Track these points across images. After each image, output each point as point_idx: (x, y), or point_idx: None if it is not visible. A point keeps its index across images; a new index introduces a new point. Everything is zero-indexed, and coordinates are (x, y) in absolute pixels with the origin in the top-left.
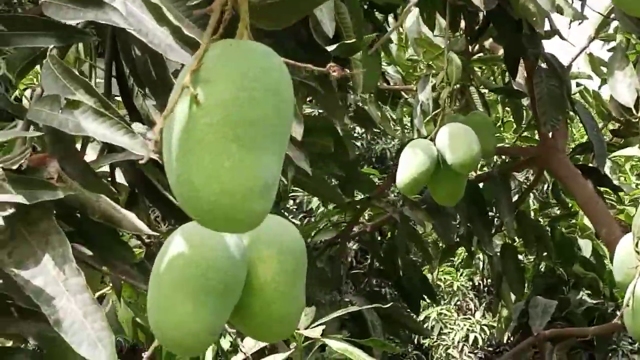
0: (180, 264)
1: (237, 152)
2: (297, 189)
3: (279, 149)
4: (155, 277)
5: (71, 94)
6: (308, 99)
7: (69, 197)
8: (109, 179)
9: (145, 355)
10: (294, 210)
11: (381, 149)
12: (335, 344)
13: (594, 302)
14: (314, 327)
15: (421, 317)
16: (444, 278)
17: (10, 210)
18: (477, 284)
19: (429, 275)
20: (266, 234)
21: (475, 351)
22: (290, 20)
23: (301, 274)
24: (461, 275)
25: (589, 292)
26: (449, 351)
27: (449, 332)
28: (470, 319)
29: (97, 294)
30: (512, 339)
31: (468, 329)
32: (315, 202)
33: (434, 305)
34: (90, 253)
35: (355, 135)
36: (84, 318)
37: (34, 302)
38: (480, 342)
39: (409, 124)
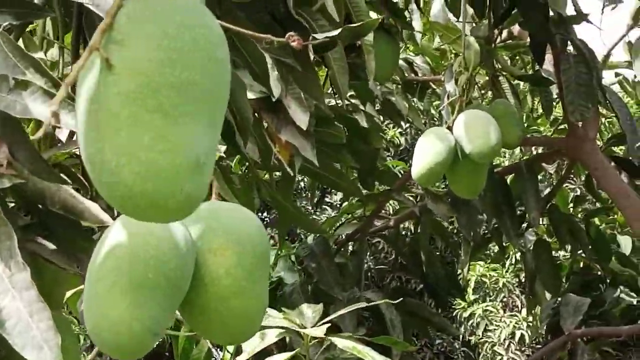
0: (116, 256)
1: (159, 124)
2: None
3: (213, 118)
4: (91, 272)
5: (22, 73)
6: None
7: (27, 185)
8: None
9: (88, 358)
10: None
11: None
12: (341, 342)
13: (633, 300)
14: (322, 324)
15: (467, 314)
16: (489, 274)
17: None
18: (523, 280)
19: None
20: (220, 222)
21: (522, 349)
22: None
23: (263, 268)
24: (507, 271)
25: (627, 290)
26: (495, 348)
27: (495, 330)
28: (516, 316)
29: (72, 291)
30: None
31: (514, 326)
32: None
33: (480, 302)
34: (53, 247)
35: (400, 130)
36: (30, 317)
37: None
38: (527, 340)
39: (437, 116)
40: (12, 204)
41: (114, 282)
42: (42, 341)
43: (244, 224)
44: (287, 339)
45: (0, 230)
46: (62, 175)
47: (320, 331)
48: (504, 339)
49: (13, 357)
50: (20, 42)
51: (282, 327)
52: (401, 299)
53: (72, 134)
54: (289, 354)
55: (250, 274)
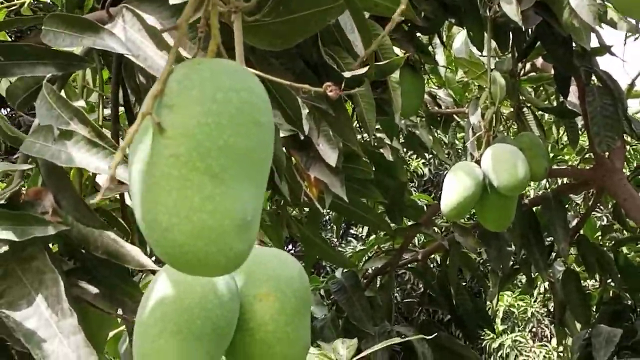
0: (164, 304)
1: (208, 185)
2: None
3: (258, 179)
4: (139, 319)
5: (65, 123)
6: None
7: (71, 232)
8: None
9: None
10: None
11: None
12: None
13: None
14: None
15: (496, 344)
16: (517, 304)
17: (5, 248)
18: (551, 309)
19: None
20: (263, 269)
21: None
22: (294, 40)
23: (304, 312)
24: (535, 301)
25: None
26: None
27: None
28: (546, 345)
29: (113, 332)
30: None
31: (544, 356)
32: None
33: (509, 332)
34: (96, 291)
35: (424, 161)
36: None
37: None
38: None
39: (461, 148)
40: (56, 250)
41: (162, 330)
42: None
43: (285, 269)
44: None
45: (47, 276)
46: (103, 219)
47: None
48: None
49: None
50: (63, 92)
51: None
52: (435, 334)
53: (112, 179)
54: None
55: (293, 320)
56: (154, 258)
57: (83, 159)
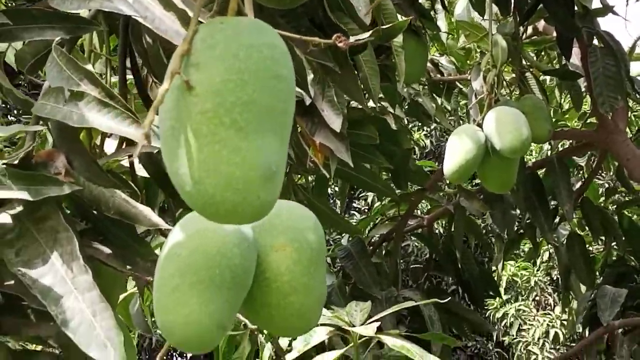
0: (182, 256)
1: (235, 139)
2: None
3: (281, 131)
4: (159, 272)
5: (76, 85)
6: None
7: (83, 192)
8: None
9: (159, 354)
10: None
11: None
12: (391, 341)
13: None
14: (369, 323)
15: (499, 314)
16: (521, 273)
17: (19, 208)
18: (555, 278)
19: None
20: (279, 220)
21: (557, 347)
22: (300, 0)
23: (320, 263)
24: (538, 270)
25: None
26: (530, 348)
27: (529, 329)
28: (550, 314)
29: (125, 294)
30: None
31: (548, 325)
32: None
33: (512, 302)
34: (108, 251)
35: (425, 132)
36: (93, 317)
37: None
38: (562, 338)
39: (465, 115)
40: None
41: (182, 280)
42: (105, 339)
43: (302, 221)
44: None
45: (62, 235)
46: (115, 180)
47: (370, 330)
48: (538, 338)
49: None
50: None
51: (331, 325)
52: (445, 298)
53: (121, 143)
54: (338, 352)
55: (309, 270)
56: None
57: (95, 119)
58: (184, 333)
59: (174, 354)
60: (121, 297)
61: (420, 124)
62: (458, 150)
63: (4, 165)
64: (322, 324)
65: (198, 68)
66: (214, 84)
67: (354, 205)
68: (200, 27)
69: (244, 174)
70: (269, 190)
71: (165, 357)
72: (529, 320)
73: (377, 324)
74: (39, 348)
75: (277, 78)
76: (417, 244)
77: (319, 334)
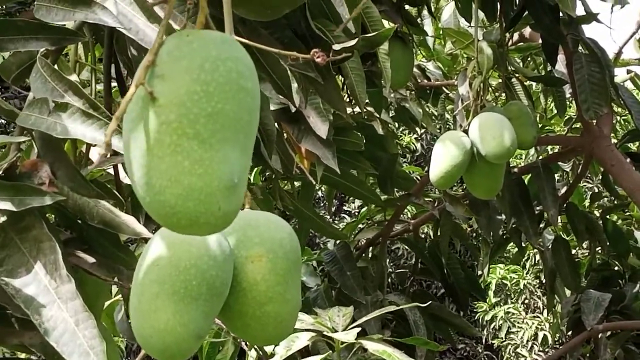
0: (160, 266)
1: (197, 150)
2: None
3: (245, 143)
4: (136, 281)
5: (60, 96)
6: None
7: (67, 202)
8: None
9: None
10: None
11: None
12: (372, 346)
13: None
14: (352, 328)
15: (488, 317)
16: (510, 277)
17: (3, 218)
18: (544, 281)
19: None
20: (254, 231)
21: (546, 349)
22: (283, 11)
23: (295, 273)
24: (527, 272)
25: None
26: (518, 350)
27: (518, 331)
28: (538, 317)
29: (109, 301)
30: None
31: (537, 327)
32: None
33: (501, 304)
34: (93, 260)
35: (416, 136)
36: (76, 326)
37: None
38: (550, 340)
39: (452, 121)
40: (53, 221)
41: (159, 291)
42: (88, 348)
43: (277, 232)
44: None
45: (45, 244)
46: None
47: (351, 335)
48: (527, 341)
49: None
50: (56, 66)
51: (313, 331)
52: (428, 302)
53: (107, 147)
54: (320, 357)
55: (284, 280)
56: (150, 227)
57: (78, 130)
58: (160, 342)
59: None
60: (106, 304)
61: None
62: (444, 156)
63: None
64: (304, 330)
65: (163, 79)
66: (178, 95)
67: (344, 208)
68: (166, 39)
69: (206, 185)
70: (230, 201)
71: None
72: (518, 322)
73: (359, 329)
74: (24, 356)
75: (243, 90)
76: (407, 247)
77: (301, 340)
